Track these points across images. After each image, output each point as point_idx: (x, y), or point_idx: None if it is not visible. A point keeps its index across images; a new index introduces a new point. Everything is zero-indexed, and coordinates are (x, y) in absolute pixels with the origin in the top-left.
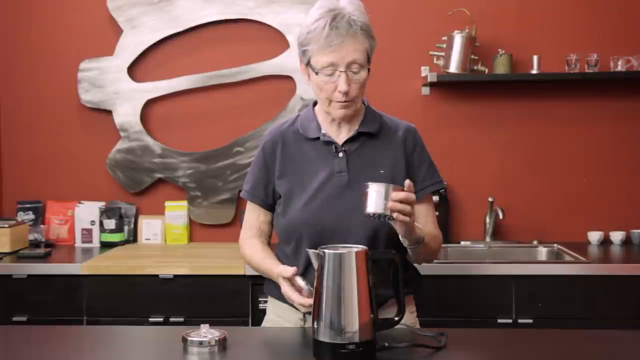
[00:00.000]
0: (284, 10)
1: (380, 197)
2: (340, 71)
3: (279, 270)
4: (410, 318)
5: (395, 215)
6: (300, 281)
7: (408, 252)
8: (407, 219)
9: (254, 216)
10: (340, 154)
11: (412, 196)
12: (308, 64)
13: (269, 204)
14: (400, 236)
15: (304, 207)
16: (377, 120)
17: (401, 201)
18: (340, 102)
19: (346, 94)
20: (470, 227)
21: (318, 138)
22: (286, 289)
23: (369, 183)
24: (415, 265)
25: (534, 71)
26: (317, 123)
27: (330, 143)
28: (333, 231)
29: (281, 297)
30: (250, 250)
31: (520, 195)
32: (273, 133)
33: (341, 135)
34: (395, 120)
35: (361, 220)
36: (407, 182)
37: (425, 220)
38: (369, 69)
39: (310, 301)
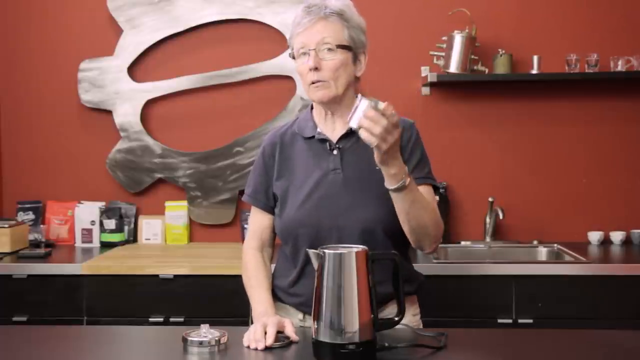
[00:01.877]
0: (284, 10)
1: (359, 112)
2: (310, 49)
3: (265, 320)
4: (412, 320)
5: (360, 131)
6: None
7: (400, 219)
8: (372, 138)
9: (256, 221)
10: (335, 152)
11: (383, 120)
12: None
13: (271, 207)
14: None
15: (299, 207)
16: None
17: (371, 119)
18: (313, 82)
19: (316, 71)
20: (470, 227)
21: (313, 137)
22: (257, 329)
23: (359, 98)
24: (415, 265)
25: (534, 71)
26: (313, 123)
27: (324, 141)
28: (329, 230)
29: (281, 298)
30: (246, 267)
31: (520, 195)
32: (271, 136)
33: (335, 133)
34: None
35: (357, 219)
36: (385, 104)
37: None
38: (354, 58)
39: (251, 343)
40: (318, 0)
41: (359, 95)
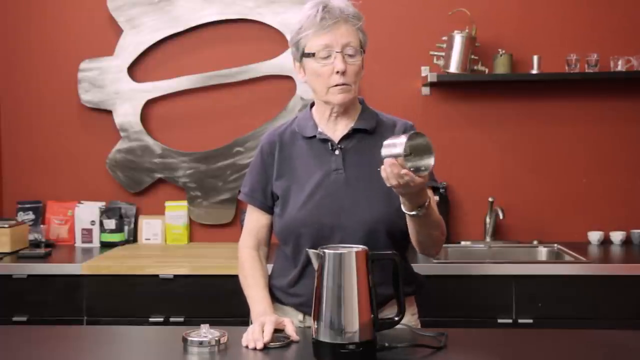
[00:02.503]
0: (284, 10)
1: (388, 150)
2: (337, 52)
3: (263, 319)
4: (411, 320)
5: (383, 175)
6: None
7: (409, 232)
8: (387, 182)
9: (252, 220)
10: (337, 152)
11: (404, 178)
12: (302, 55)
13: (269, 206)
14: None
15: (301, 206)
16: (373, 118)
17: (391, 172)
18: (338, 85)
19: (344, 74)
20: (470, 227)
21: (314, 137)
22: (255, 328)
23: (398, 139)
24: (415, 265)
25: (534, 71)
26: (313, 122)
27: (326, 141)
28: (331, 230)
29: (280, 299)
30: (242, 266)
31: (520, 195)
32: (270, 135)
33: (337, 133)
34: (392, 118)
35: (359, 219)
36: (406, 171)
37: None
38: (362, 62)
39: (249, 343)
40: (325, 1)
41: (408, 133)
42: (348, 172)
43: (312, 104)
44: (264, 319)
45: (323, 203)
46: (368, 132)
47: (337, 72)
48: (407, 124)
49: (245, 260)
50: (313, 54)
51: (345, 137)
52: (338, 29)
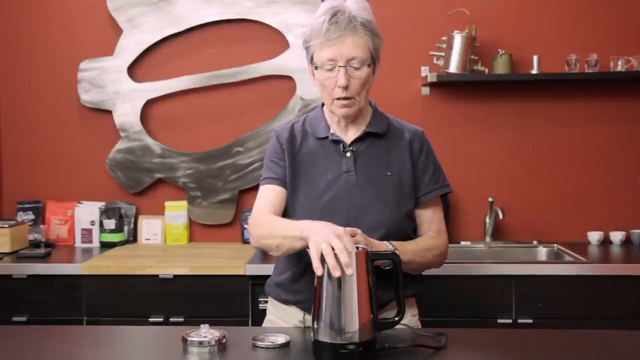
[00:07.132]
0: (284, 10)
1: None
2: (340, 66)
3: (334, 229)
4: (411, 321)
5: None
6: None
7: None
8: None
9: (271, 195)
10: (348, 154)
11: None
12: (311, 61)
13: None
14: None
15: (310, 206)
16: (384, 122)
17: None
18: (341, 98)
19: (346, 89)
20: (470, 227)
21: (326, 137)
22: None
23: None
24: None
25: (534, 71)
26: (325, 122)
27: (338, 142)
28: None
29: (281, 297)
30: (258, 222)
31: (520, 195)
32: (281, 129)
33: (349, 135)
34: (401, 122)
35: (367, 221)
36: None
37: (428, 226)
38: (374, 68)
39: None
40: (338, 3)
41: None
42: (359, 174)
43: (324, 104)
44: (334, 228)
45: (332, 204)
46: (379, 135)
47: (340, 86)
48: (418, 131)
49: (261, 216)
50: (318, 66)
51: (357, 140)
52: (343, 42)
